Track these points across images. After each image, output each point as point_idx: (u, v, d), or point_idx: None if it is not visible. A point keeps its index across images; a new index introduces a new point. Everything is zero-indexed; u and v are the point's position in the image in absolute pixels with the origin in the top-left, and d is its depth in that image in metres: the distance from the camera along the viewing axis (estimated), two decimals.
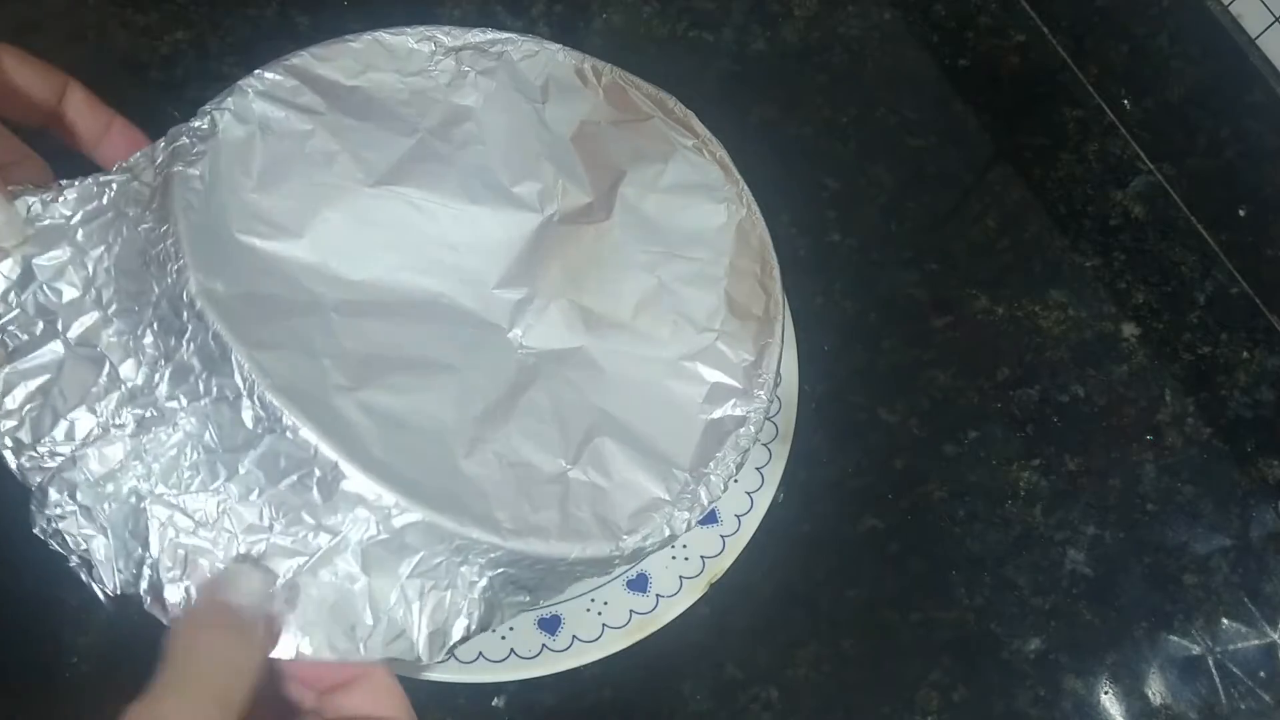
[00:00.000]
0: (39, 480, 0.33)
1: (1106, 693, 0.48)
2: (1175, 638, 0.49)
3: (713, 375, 0.40)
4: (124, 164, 0.39)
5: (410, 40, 0.44)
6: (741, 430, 0.39)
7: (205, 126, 0.38)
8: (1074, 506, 0.52)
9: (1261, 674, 0.49)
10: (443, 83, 0.43)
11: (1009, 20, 0.64)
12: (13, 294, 0.35)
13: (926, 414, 0.53)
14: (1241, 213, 0.57)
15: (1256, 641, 0.50)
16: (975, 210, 0.59)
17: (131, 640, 0.45)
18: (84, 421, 0.33)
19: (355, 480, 0.32)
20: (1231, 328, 0.57)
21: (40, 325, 0.35)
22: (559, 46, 0.46)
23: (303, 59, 0.41)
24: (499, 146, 0.43)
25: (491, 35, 0.45)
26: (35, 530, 0.32)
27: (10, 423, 0.33)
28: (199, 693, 0.28)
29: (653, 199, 0.43)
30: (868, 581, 0.49)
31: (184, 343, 0.34)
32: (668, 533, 0.37)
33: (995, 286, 0.56)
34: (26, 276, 0.35)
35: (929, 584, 0.50)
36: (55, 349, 0.34)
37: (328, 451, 0.32)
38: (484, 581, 0.35)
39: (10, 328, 0.34)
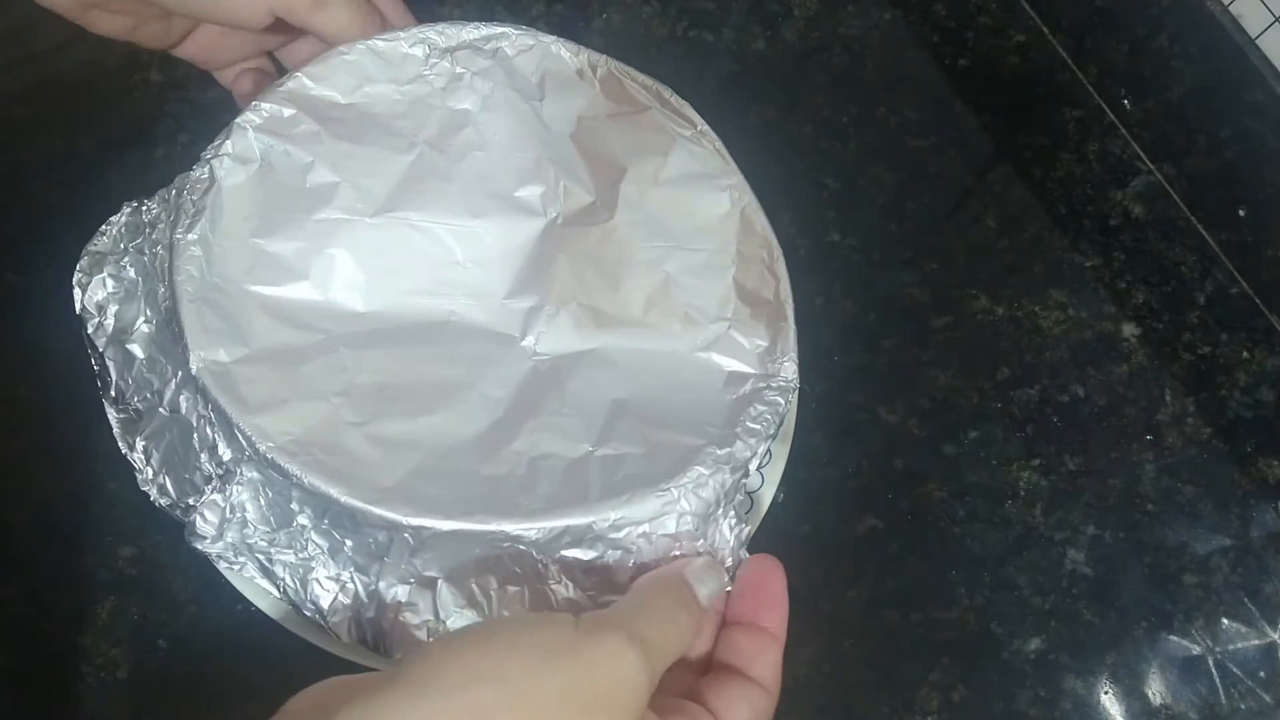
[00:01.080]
0: (185, 532, 0.36)
1: (1106, 693, 0.48)
2: (1175, 638, 0.49)
3: (730, 364, 0.40)
4: (150, 210, 0.41)
5: (404, 45, 0.43)
6: (767, 394, 0.38)
7: (205, 177, 0.39)
8: (1074, 506, 0.52)
9: (1261, 674, 0.49)
10: (439, 87, 0.43)
11: (1009, 20, 0.64)
12: (126, 372, 0.38)
13: (926, 414, 0.53)
14: (1241, 213, 0.57)
15: (1256, 641, 0.50)
16: (975, 210, 0.59)
17: (130, 640, 0.45)
18: (195, 479, 0.36)
19: (369, 514, 0.33)
20: (1231, 328, 0.57)
21: (147, 395, 0.38)
22: (553, 38, 0.45)
23: (298, 81, 0.41)
24: (498, 151, 0.42)
25: (485, 31, 0.44)
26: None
27: (157, 484, 0.37)
28: (650, 621, 0.30)
29: (655, 193, 0.43)
30: (868, 581, 0.49)
31: (209, 411, 0.35)
32: (712, 469, 0.35)
33: (995, 286, 0.56)
34: (129, 356, 0.39)
35: (929, 584, 0.50)
36: (162, 414, 0.37)
37: (334, 494, 0.33)
38: (553, 569, 0.35)
39: (134, 401, 0.38)
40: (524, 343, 0.39)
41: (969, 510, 0.51)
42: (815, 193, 0.58)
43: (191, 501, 0.36)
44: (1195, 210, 0.59)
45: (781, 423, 0.39)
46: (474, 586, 0.34)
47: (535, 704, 0.26)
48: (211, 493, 0.35)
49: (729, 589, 0.35)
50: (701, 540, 0.35)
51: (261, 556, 0.36)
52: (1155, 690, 0.48)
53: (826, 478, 0.51)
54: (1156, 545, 0.51)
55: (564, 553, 0.34)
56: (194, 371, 0.35)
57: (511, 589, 0.34)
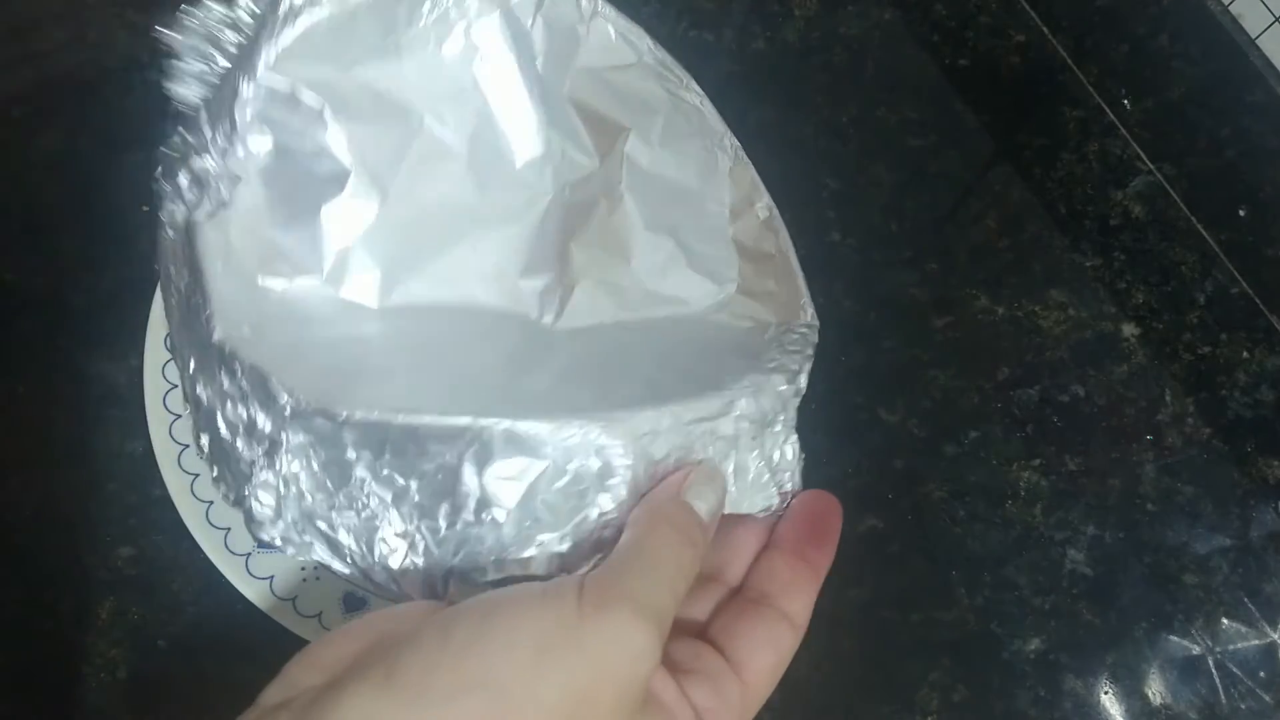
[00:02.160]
0: (246, 524, 0.35)
1: (1106, 693, 0.48)
2: (1175, 638, 0.49)
3: (745, 322, 0.40)
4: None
5: None
6: (796, 326, 0.38)
7: (218, 167, 0.38)
8: (1074, 506, 0.52)
9: (1261, 674, 0.49)
10: (436, 37, 0.42)
11: (1009, 20, 0.64)
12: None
13: (926, 414, 0.53)
14: (1241, 213, 0.57)
15: (1256, 641, 0.50)
16: (975, 210, 0.59)
17: (130, 640, 0.45)
18: (242, 468, 0.35)
19: (429, 426, 0.31)
20: (1231, 328, 0.57)
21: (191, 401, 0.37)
22: None
23: (289, 45, 0.39)
24: (500, 118, 0.42)
25: None
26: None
27: (219, 489, 0.36)
28: (656, 579, 0.28)
29: (654, 156, 0.43)
30: (868, 581, 0.49)
31: (239, 380, 0.34)
32: (767, 375, 0.34)
33: (995, 286, 0.56)
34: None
35: (929, 584, 0.50)
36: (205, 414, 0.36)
37: (387, 418, 0.31)
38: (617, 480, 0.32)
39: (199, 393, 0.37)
40: (542, 322, 0.39)
41: (969, 510, 0.51)
42: (815, 193, 0.58)
43: (245, 491, 0.34)
44: (1195, 210, 0.59)
45: (813, 353, 0.37)
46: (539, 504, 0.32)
47: (534, 708, 0.25)
48: (261, 472, 0.34)
49: (780, 513, 0.34)
50: (757, 452, 0.34)
51: (323, 524, 0.34)
52: (1155, 690, 0.48)
53: (826, 478, 0.51)
54: (1156, 545, 0.51)
55: (647, 448, 0.32)
56: (216, 339, 0.34)
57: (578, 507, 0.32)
